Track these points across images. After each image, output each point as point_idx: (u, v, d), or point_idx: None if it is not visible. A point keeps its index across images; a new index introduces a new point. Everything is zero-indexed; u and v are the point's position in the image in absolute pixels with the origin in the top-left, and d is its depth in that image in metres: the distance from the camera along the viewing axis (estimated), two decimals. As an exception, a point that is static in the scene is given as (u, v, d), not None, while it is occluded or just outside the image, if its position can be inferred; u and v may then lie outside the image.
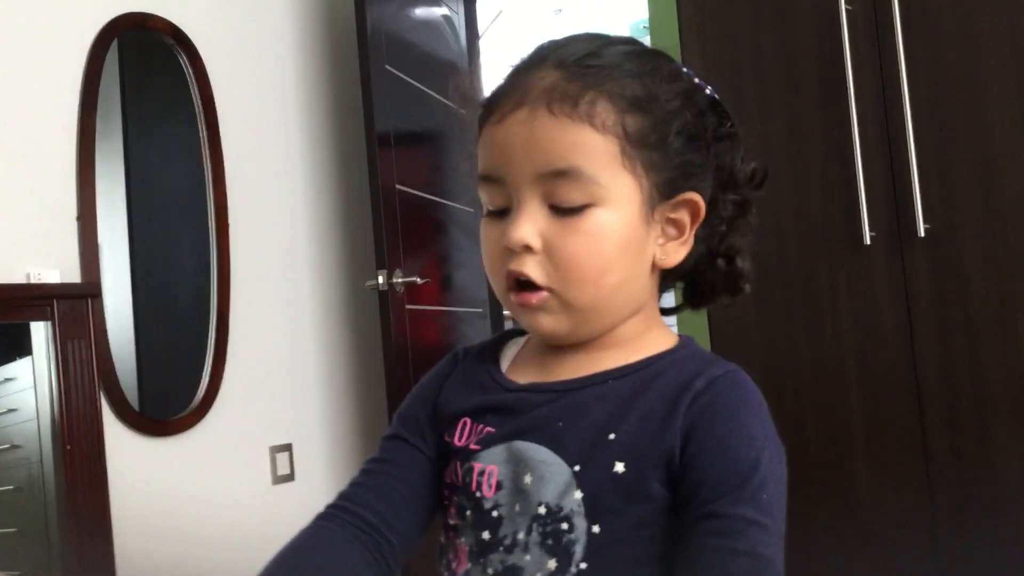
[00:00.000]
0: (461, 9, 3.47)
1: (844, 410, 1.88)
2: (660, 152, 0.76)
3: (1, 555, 2.16)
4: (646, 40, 1.78)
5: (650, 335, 0.82)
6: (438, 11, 3.37)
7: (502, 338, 0.89)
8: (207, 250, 2.76)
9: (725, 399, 0.75)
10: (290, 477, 2.89)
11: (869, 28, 1.84)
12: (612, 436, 0.74)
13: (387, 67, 2.94)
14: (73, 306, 2.14)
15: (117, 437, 2.42)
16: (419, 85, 3.10)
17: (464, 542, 0.78)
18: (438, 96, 3.16)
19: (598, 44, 0.78)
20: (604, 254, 0.75)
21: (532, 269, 0.75)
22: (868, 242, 1.83)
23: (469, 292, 3.33)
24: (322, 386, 3.06)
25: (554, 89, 0.74)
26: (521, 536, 0.75)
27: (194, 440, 2.66)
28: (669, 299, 0.89)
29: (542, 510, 0.75)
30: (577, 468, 0.74)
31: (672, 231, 0.79)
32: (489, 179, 0.78)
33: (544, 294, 0.76)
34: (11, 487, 2.23)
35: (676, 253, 0.80)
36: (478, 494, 0.77)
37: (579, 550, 0.73)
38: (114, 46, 2.61)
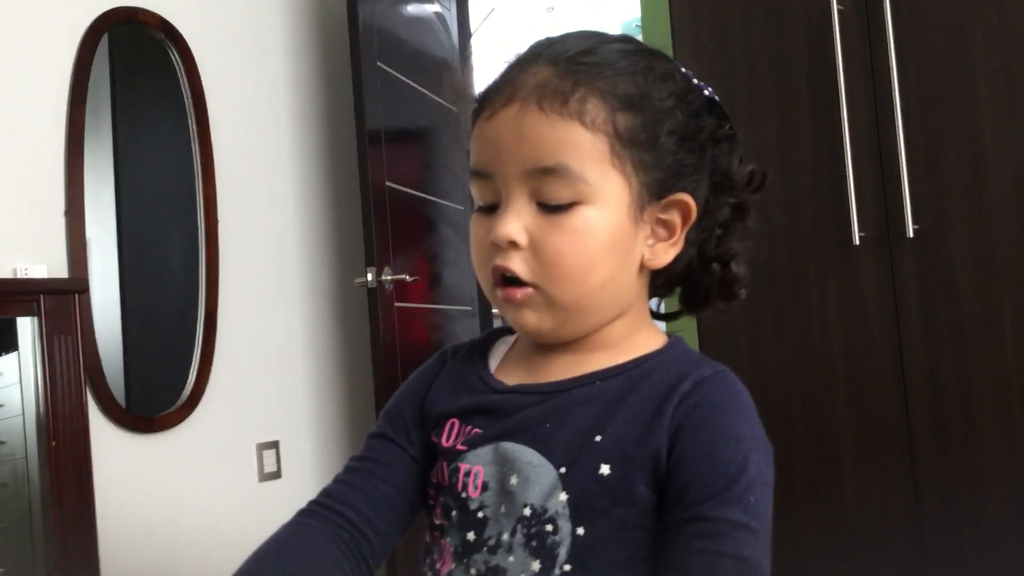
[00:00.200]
0: (453, 6, 3.47)
1: (831, 410, 1.89)
2: (651, 152, 0.75)
3: (-15, 551, 2.15)
4: (639, 38, 1.78)
5: (639, 336, 0.81)
6: (430, 8, 3.37)
7: (491, 337, 0.89)
8: (196, 246, 2.75)
9: (712, 400, 0.74)
10: (277, 475, 2.88)
11: (860, 28, 1.85)
12: (598, 438, 0.74)
13: (379, 64, 2.94)
14: (60, 302, 2.13)
15: (103, 434, 2.41)
16: (411, 82, 3.09)
17: (449, 542, 0.78)
18: (430, 93, 3.16)
19: (593, 42, 0.77)
20: (590, 252, 0.75)
21: (517, 265, 0.75)
22: (857, 243, 1.83)
23: (458, 290, 3.32)
24: (310, 384, 3.05)
25: (545, 85, 0.74)
26: (505, 537, 0.75)
27: (180, 437, 2.65)
28: (667, 303, 0.89)
29: (527, 511, 0.74)
30: (563, 470, 0.74)
31: (662, 232, 0.79)
32: (479, 174, 0.78)
33: (529, 290, 0.76)
34: (-4, 483, 2.22)
35: (665, 254, 0.79)
36: (464, 495, 0.77)
37: (563, 552, 0.73)
38: (104, 40, 2.59)
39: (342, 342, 3.15)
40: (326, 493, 0.85)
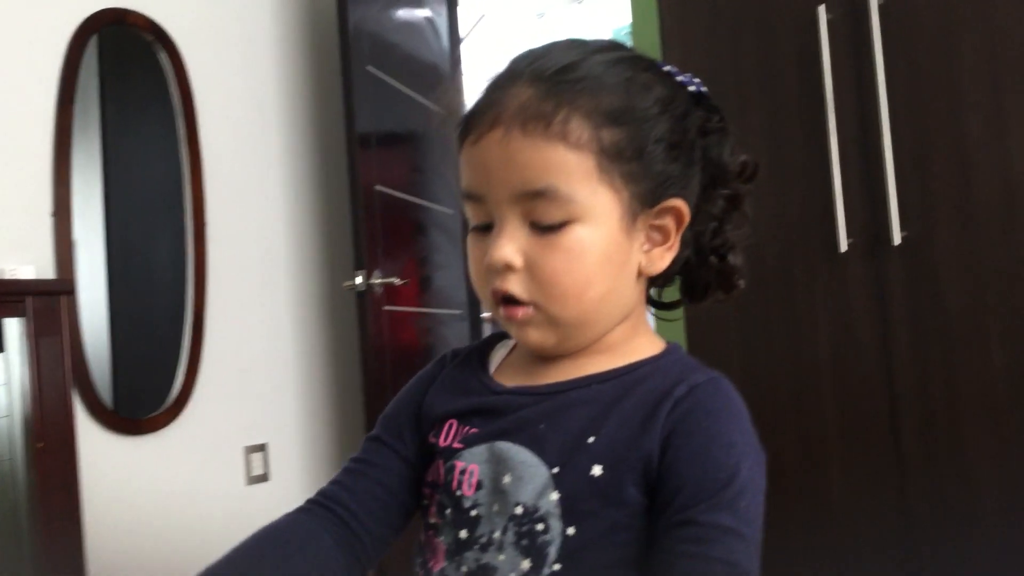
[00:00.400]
0: (444, 11, 3.47)
1: (819, 415, 1.89)
2: (639, 162, 0.75)
3: (-31, 554, 2.13)
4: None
5: (637, 341, 0.82)
6: (421, 13, 3.37)
7: (491, 340, 0.90)
8: (183, 248, 2.74)
9: (706, 406, 0.75)
10: (264, 477, 2.87)
11: (848, 37, 1.86)
12: (591, 439, 0.75)
13: (369, 68, 2.94)
14: (47, 303, 2.12)
15: (90, 435, 2.40)
16: (401, 87, 3.09)
17: (442, 541, 0.79)
18: (420, 97, 3.16)
19: (575, 55, 0.77)
20: (585, 270, 0.75)
21: (515, 286, 0.76)
22: (845, 249, 1.85)
23: (448, 294, 3.33)
24: (298, 386, 3.04)
25: (527, 108, 0.74)
26: (497, 535, 0.75)
27: (168, 439, 2.64)
28: (666, 293, 0.89)
29: (519, 510, 0.75)
30: (555, 470, 0.75)
31: (657, 237, 0.79)
32: (471, 197, 0.78)
33: (529, 309, 0.77)
34: (-19, 485, 2.20)
35: (661, 260, 0.80)
36: (458, 493, 0.78)
37: (553, 551, 0.74)
38: (93, 42, 2.59)
39: (331, 345, 3.15)
40: (321, 493, 0.87)
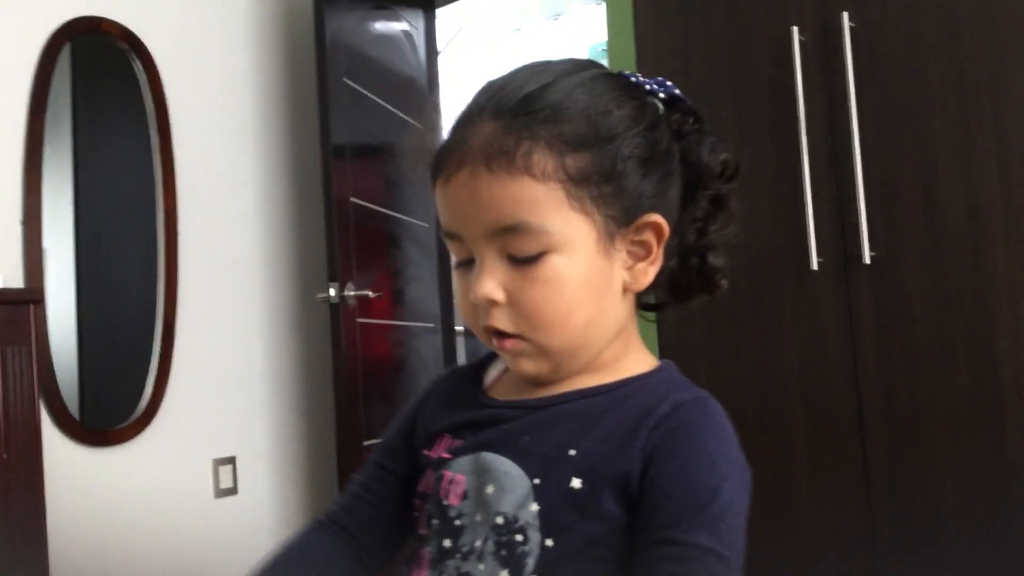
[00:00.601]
0: (421, 25, 3.48)
1: (787, 432, 1.91)
2: (609, 184, 0.75)
3: (-70, 566, 2.09)
4: (604, 62, 1.81)
5: (629, 358, 0.82)
6: (398, 26, 3.38)
7: (489, 358, 0.90)
8: (155, 258, 2.72)
9: (689, 425, 0.74)
10: (233, 491, 2.85)
11: (820, 59, 1.88)
12: (572, 452, 0.75)
13: (345, 80, 2.94)
14: (14, 312, 2.09)
15: (56, 447, 2.37)
16: (377, 99, 3.10)
17: (428, 550, 0.80)
18: (396, 110, 3.16)
19: (537, 83, 0.76)
20: (565, 298, 0.75)
21: (500, 321, 0.77)
22: (815, 268, 1.87)
23: (421, 306, 3.32)
24: (269, 399, 3.02)
25: (490, 145, 0.74)
26: (478, 544, 0.76)
27: (135, 451, 2.61)
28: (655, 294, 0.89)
29: (500, 520, 0.75)
30: (536, 481, 0.75)
31: (640, 252, 0.79)
32: (449, 235, 0.79)
33: (518, 341, 0.77)
34: (-57, 496, 2.17)
35: (645, 275, 0.79)
36: (445, 502, 0.78)
37: (531, 562, 0.74)
38: (67, 50, 2.57)
39: (303, 357, 3.13)
40: (325, 513, 0.91)
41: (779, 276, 1.93)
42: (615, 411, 0.76)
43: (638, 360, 0.83)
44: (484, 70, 4.87)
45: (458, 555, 0.76)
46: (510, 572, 0.74)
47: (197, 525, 2.69)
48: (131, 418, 2.61)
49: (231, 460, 2.86)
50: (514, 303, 0.76)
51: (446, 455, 0.80)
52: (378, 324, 3.05)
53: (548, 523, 0.74)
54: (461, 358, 3.80)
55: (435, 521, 0.79)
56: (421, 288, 3.32)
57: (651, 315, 0.88)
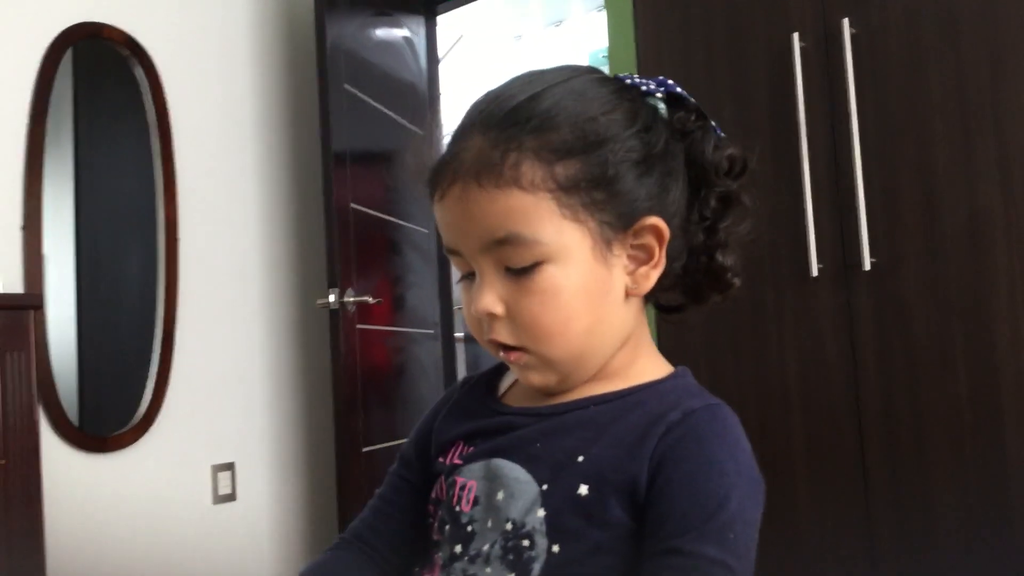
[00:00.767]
0: (422, 32, 3.49)
1: (787, 438, 1.91)
2: (602, 189, 0.74)
3: (-72, 573, 2.09)
4: (605, 69, 1.80)
5: (639, 364, 0.82)
6: (399, 33, 3.38)
7: (502, 366, 0.89)
8: (155, 264, 2.72)
9: (699, 433, 0.74)
10: (232, 497, 2.84)
11: (821, 65, 1.89)
12: (580, 459, 0.75)
13: (346, 86, 2.94)
14: (14, 317, 2.09)
15: (55, 453, 2.37)
16: (378, 105, 3.10)
17: (440, 556, 0.80)
18: (397, 117, 3.17)
19: (527, 93, 0.76)
20: (563, 307, 0.75)
21: (502, 334, 0.77)
22: (815, 274, 1.86)
23: (421, 313, 3.32)
24: (268, 405, 3.02)
25: (479, 160, 0.74)
26: (486, 549, 0.76)
27: (134, 457, 2.60)
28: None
29: (509, 526, 0.75)
30: (544, 487, 0.75)
31: (641, 256, 0.78)
32: (449, 251, 0.79)
33: (522, 353, 0.77)
34: (-59, 502, 2.16)
35: (647, 279, 0.78)
36: (457, 508, 0.79)
37: (537, 568, 0.74)
38: (68, 56, 2.57)
39: (302, 363, 3.13)
40: (348, 531, 0.92)
41: (779, 282, 1.93)
42: (626, 418, 0.76)
43: (651, 366, 0.82)
44: (485, 77, 4.88)
45: (466, 558, 0.77)
46: None
47: (196, 531, 2.68)
48: (130, 424, 2.60)
49: (230, 466, 2.85)
50: (513, 315, 0.76)
51: (458, 461, 0.81)
52: (378, 330, 3.04)
53: (555, 529, 0.74)
54: (460, 364, 3.80)
55: (448, 527, 0.79)
56: (421, 294, 3.32)
57: (649, 320, 0.88)
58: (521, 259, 0.74)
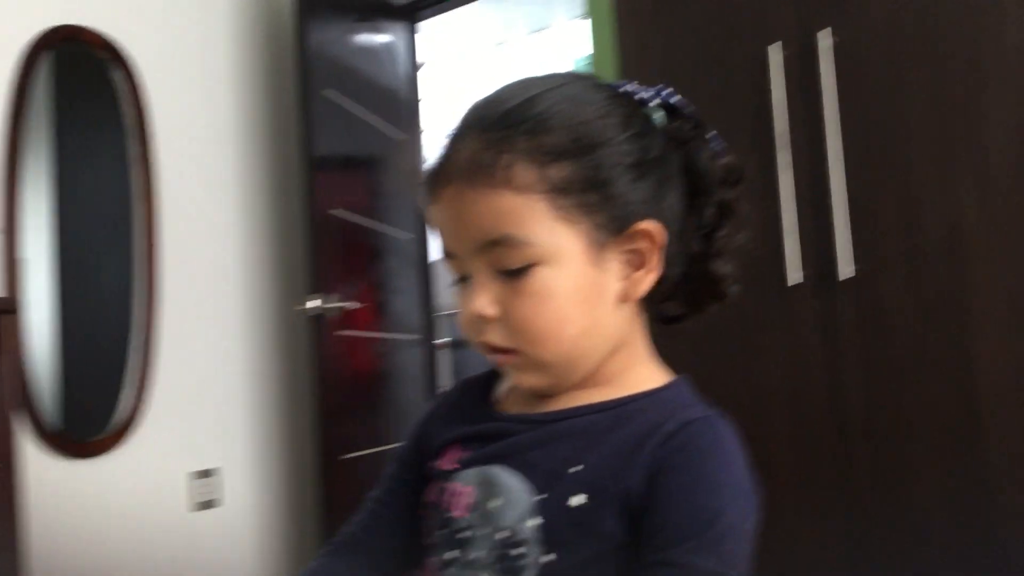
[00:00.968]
0: (403, 38, 3.48)
1: (769, 447, 1.91)
2: (595, 192, 0.75)
3: (-99, 581, 2.06)
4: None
5: (636, 371, 0.81)
6: (380, 38, 3.38)
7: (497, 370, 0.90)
8: (134, 269, 2.70)
9: (695, 444, 0.74)
10: (212, 504, 2.82)
11: (801, 75, 1.90)
12: (575, 469, 0.74)
13: (326, 91, 2.93)
14: (-9, 322, 2.07)
15: (33, 459, 2.34)
16: (359, 111, 3.09)
17: (433, 561, 0.80)
18: (378, 123, 3.16)
19: (522, 96, 0.76)
20: (555, 310, 0.75)
21: (495, 336, 0.77)
22: (797, 283, 1.87)
23: (404, 319, 3.31)
24: (249, 411, 3.00)
25: (472, 161, 0.74)
26: (480, 556, 0.76)
27: (114, 463, 2.58)
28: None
29: (503, 534, 0.75)
30: (539, 497, 0.75)
31: (635, 260, 0.78)
32: (445, 254, 0.80)
33: (513, 356, 0.77)
34: (-84, 510, 2.13)
35: (642, 284, 0.78)
36: (450, 514, 0.79)
37: None
38: (46, 59, 2.55)
39: (283, 369, 3.11)
40: (342, 532, 0.91)
41: (761, 291, 1.94)
42: (621, 428, 0.76)
43: (647, 374, 0.82)
44: (467, 84, 4.88)
45: (459, 565, 0.77)
46: None
47: (177, 537, 2.66)
48: (110, 430, 2.58)
49: (211, 472, 2.83)
50: (505, 318, 0.76)
51: (454, 466, 0.81)
52: (360, 336, 3.03)
53: (548, 538, 0.73)
54: (443, 371, 3.79)
55: (441, 532, 0.79)
56: (403, 300, 3.31)
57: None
58: (514, 261, 0.74)
